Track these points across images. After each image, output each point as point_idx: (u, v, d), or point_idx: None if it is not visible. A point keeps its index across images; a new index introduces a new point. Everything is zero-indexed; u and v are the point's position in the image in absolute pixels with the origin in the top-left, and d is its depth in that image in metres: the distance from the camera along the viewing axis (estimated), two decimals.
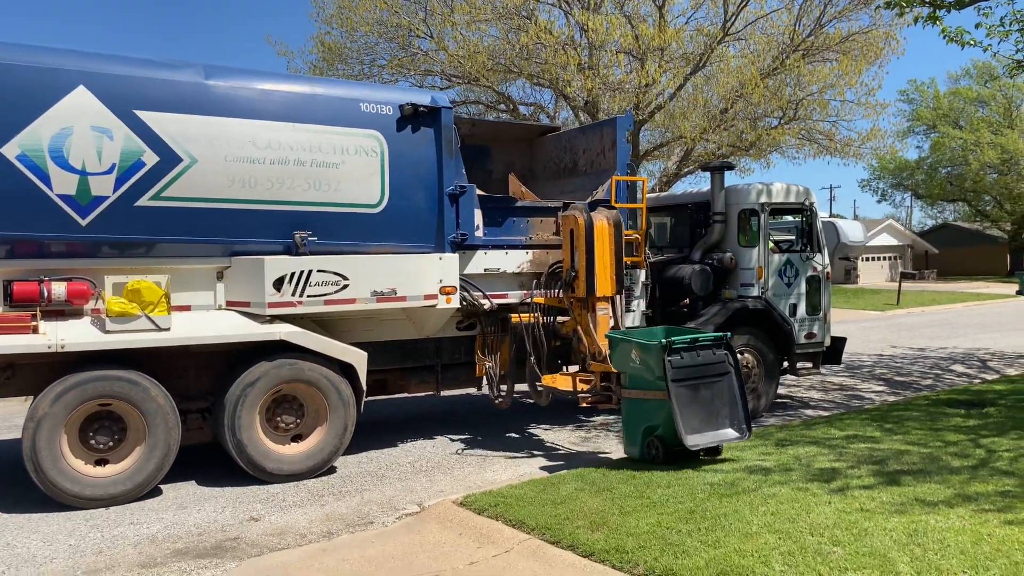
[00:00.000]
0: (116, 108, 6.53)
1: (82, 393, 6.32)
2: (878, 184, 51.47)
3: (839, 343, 10.30)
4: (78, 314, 6.52)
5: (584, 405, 7.86)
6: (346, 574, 5.02)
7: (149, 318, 6.47)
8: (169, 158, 6.67)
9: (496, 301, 8.21)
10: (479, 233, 8.10)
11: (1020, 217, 48.07)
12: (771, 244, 9.84)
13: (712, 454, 7.07)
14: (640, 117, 18.28)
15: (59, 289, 6.33)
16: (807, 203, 9.99)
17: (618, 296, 8.07)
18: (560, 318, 8.43)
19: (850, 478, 6.22)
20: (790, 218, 10.18)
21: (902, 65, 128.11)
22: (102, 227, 6.48)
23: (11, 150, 6.20)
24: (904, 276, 31.19)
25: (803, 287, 9.95)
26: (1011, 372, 12.55)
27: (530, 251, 8.40)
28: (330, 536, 5.75)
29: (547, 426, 9.24)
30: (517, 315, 8.32)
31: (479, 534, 5.55)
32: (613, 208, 8.39)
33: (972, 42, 11.31)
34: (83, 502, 6.36)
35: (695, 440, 6.79)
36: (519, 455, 7.94)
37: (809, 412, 9.76)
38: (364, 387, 7.37)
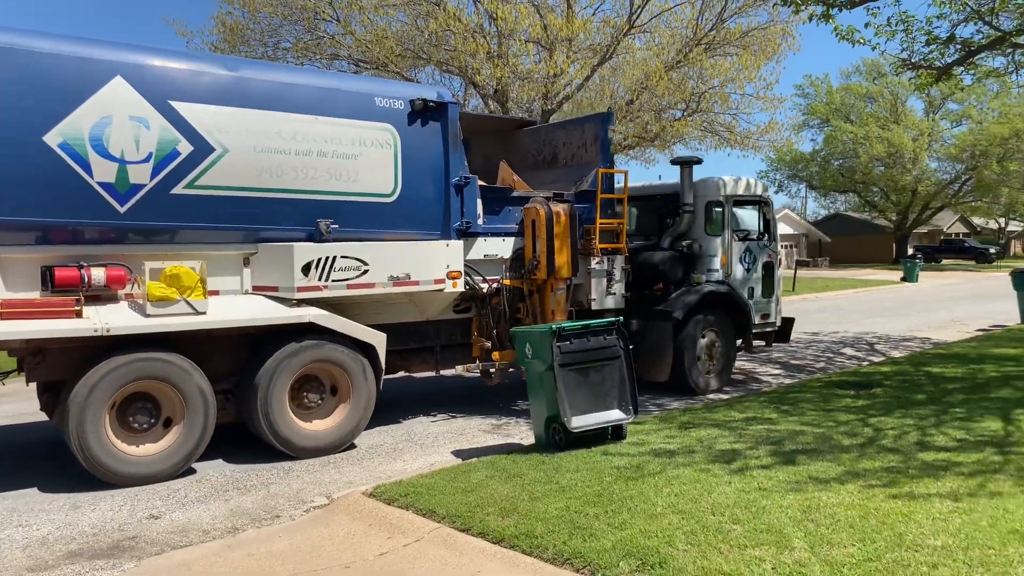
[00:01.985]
0: (152, 98, 6.79)
1: (127, 374, 6.54)
2: (775, 175, 53.40)
3: (788, 323, 11.52)
4: (113, 299, 6.71)
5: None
6: (252, 570, 4.91)
7: (188, 302, 6.72)
8: (202, 148, 6.96)
9: (494, 285, 8.91)
10: (480, 221, 8.72)
11: (904, 208, 50.84)
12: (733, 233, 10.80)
13: (618, 437, 7.24)
14: (549, 107, 18.41)
15: (98, 274, 6.50)
16: (764, 196, 11.08)
17: (573, 279, 9.16)
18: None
19: (749, 459, 6.47)
20: (750, 209, 11.05)
21: (798, 61, 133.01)
22: (139, 214, 6.72)
23: (53, 138, 6.36)
24: (799, 264, 32.57)
25: (759, 273, 11.01)
26: (896, 354, 13.29)
27: (522, 238, 9.09)
28: (235, 532, 5.62)
29: (462, 415, 9.26)
30: (498, 298, 8.98)
31: (389, 524, 5.53)
32: (571, 201, 9.28)
33: (862, 40, 11.86)
34: (125, 480, 6.60)
35: (579, 421, 6.97)
36: (431, 444, 7.94)
37: (711, 395, 10.09)
38: (383, 366, 7.84)
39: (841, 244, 55.20)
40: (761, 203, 11.08)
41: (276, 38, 18.63)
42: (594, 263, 9.64)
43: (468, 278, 8.63)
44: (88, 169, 6.50)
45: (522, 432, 8.20)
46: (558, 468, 6.38)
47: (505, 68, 17.30)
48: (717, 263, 10.59)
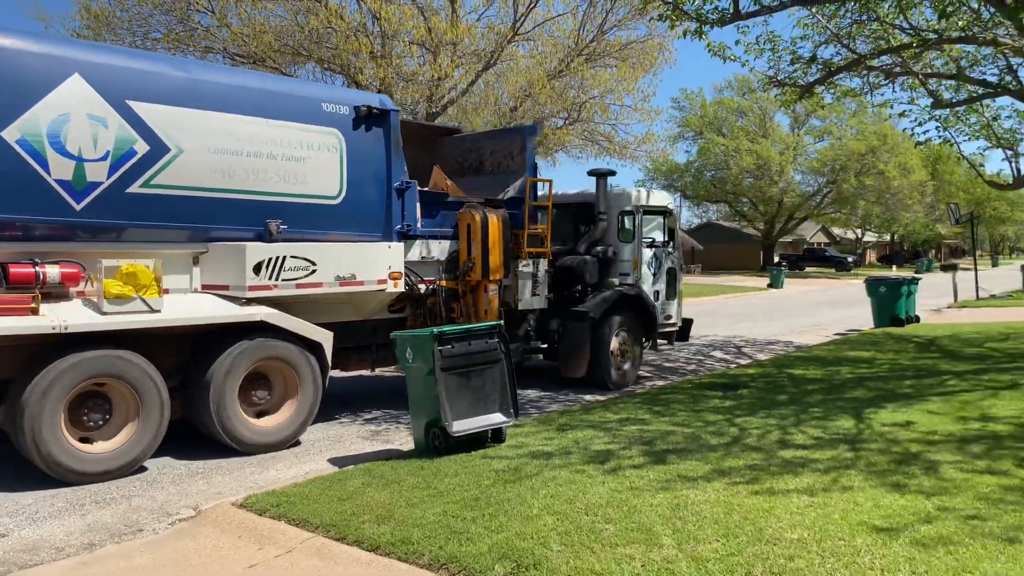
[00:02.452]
0: (111, 98, 6.90)
1: (85, 371, 6.56)
2: (652, 184, 55.24)
3: (687, 324, 12.80)
4: (66, 297, 6.73)
5: None
6: None
7: (144, 300, 6.83)
8: (159, 148, 7.16)
9: (430, 286, 9.42)
10: (419, 225, 9.20)
11: (771, 218, 53.64)
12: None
13: (497, 440, 7.28)
14: (433, 110, 18.37)
15: (53, 272, 6.55)
16: (669, 207, 12.26)
17: (504, 279, 9.96)
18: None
19: (622, 459, 6.64)
20: (657, 219, 12.16)
21: (675, 75, 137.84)
22: (95, 212, 6.83)
23: (11, 134, 6.42)
24: None
25: (664, 277, 12.16)
26: (761, 357, 13.96)
27: (456, 241, 9.69)
28: (92, 548, 5.30)
29: (344, 420, 9.08)
30: (434, 298, 9.49)
31: (260, 536, 5.35)
32: (503, 207, 10.05)
33: (732, 57, 12.43)
34: (82, 478, 6.59)
35: (460, 426, 6.98)
36: (307, 452, 7.75)
37: (587, 397, 10.30)
38: (329, 364, 8.07)
39: (713, 252, 57.65)
40: (666, 213, 12.26)
41: (146, 27, 17.78)
42: (522, 266, 10.30)
43: (408, 279, 9.03)
44: (45, 166, 6.57)
45: (402, 437, 8.12)
46: (437, 473, 6.35)
47: (389, 69, 17.14)
48: (629, 268, 11.64)
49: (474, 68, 18.50)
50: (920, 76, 12.90)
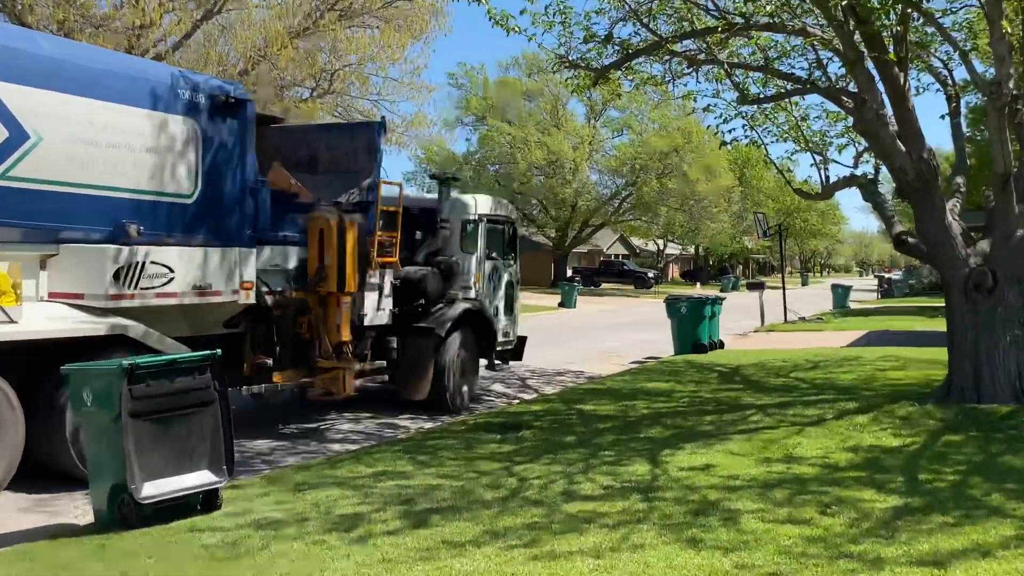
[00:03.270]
0: None
1: None
2: (424, 178, 55.91)
3: (522, 342, 14.37)
4: None
5: (312, 399, 10.99)
6: None
7: (3, 309, 7.17)
8: (17, 135, 7.63)
9: (276, 297, 10.07)
10: (269, 229, 9.88)
11: (564, 223, 55.92)
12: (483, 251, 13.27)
13: (210, 506, 6.93)
14: None
15: None
16: (512, 217, 13.92)
17: (359, 293, 10.88)
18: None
19: (375, 523, 6.56)
20: (499, 229, 13.72)
21: (453, 46, 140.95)
22: None
23: None
24: None
25: (503, 291, 13.71)
26: (548, 390, 14.45)
27: (303, 248, 10.41)
28: None
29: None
30: (280, 311, 10.19)
31: None
32: (357, 211, 10.87)
33: (517, 29, 12.69)
34: None
35: (154, 488, 6.54)
36: None
37: (335, 446, 10.13)
38: None
39: None
40: (509, 223, 13.98)
41: None
42: (370, 277, 11.09)
43: (258, 289, 9.64)
44: None
45: (80, 508, 7.51)
46: (125, 554, 5.94)
47: (71, 9, 15.99)
48: (472, 280, 12.98)
49: (191, 16, 17.69)
50: (726, 66, 13.98)
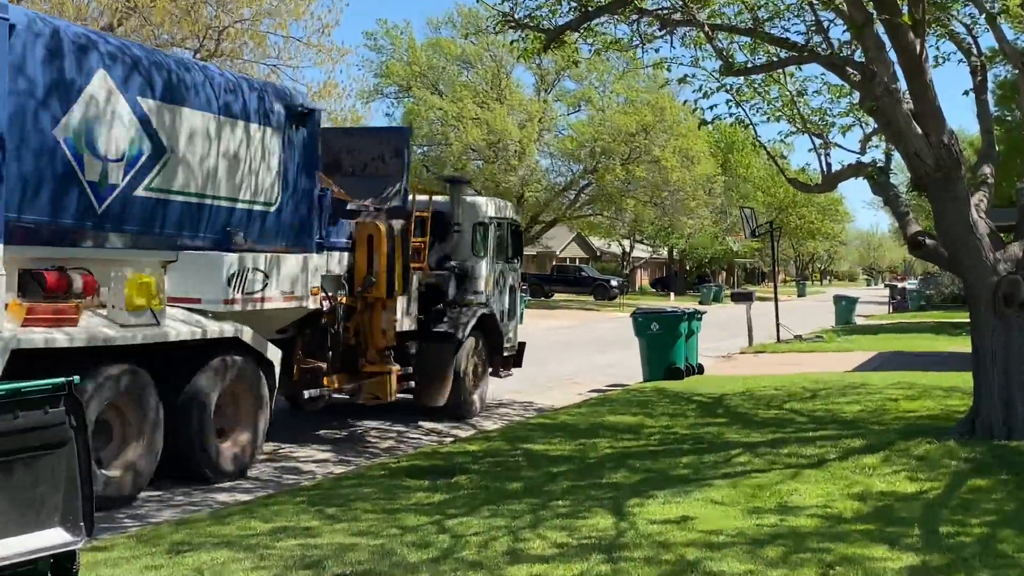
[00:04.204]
0: (126, 94, 9.73)
1: (116, 388, 9.31)
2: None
3: (522, 348, 17.29)
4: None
5: (361, 403, 13.48)
6: None
7: (153, 312, 9.48)
8: (159, 148, 10.07)
9: (331, 303, 12.45)
10: (329, 235, 12.56)
11: None
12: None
13: (63, 574, 6.82)
14: None
15: (78, 280, 9.04)
16: (517, 219, 16.76)
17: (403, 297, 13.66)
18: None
19: None
20: (505, 231, 16.65)
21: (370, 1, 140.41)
22: (111, 216, 9.61)
23: (60, 133, 9.06)
24: None
25: (508, 295, 16.66)
26: (489, 426, 14.49)
27: (350, 253, 13.04)
28: None
29: None
30: (332, 317, 12.54)
31: None
32: (400, 216, 13.52)
33: None
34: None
35: None
36: None
37: (222, 496, 10.05)
38: (277, 384, 11.33)
39: None
40: (514, 225, 16.91)
41: None
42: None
43: (323, 294, 12.21)
44: (81, 166, 9.24)
45: None
46: None
47: None
48: (482, 284, 15.71)
49: None
50: (706, 28, 14.13)
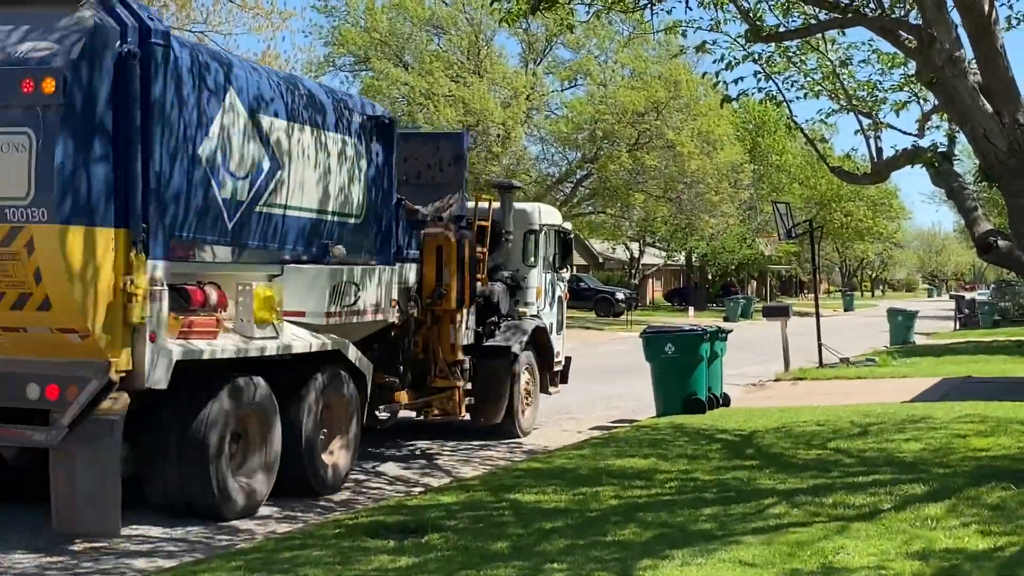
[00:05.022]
0: (250, 112, 11.92)
1: (252, 400, 11.70)
2: None
3: (567, 363, 19.83)
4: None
5: (430, 419, 16.66)
6: None
7: (275, 325, 11.77)
8: (275, 164, 12.23)
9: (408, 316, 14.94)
10: (403, 247, 14.79)
11: None
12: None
13: None
14: None
15: (213, 295, 11.25)
16: (567, 225, 19.48)
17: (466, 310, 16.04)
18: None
19: None
20: (555, 239, 19.32)
21: None
22: (237, 232, 11.74)
23: (203, 152, 11.23)
24: None
25: (556, 306, 19.30)
26: (467, 471, 14.45)
27: (417, 265, 15.26)
28: None
29: None
30: (400, 330, 14.83)
31: None
32: (463, 226, 15.88)
33: None
34: (238, 512, 11.55)
35: None
36: None
37: (138, 563, 9.99)
38: (368, 398, 13.71)
39: None
40: (563, 233, 19.41)
41: None
42: None
43: (399, 307, 14.48)
44: (218, 183, 11.40)
45: None
46: None
47: None
48: (534, 295, 18.11)
49: None
50: None
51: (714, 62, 14.91)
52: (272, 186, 12.19)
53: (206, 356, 11.01)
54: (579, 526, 10.57)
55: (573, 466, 14.14)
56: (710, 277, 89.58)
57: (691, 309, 65.71)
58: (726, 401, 20.24)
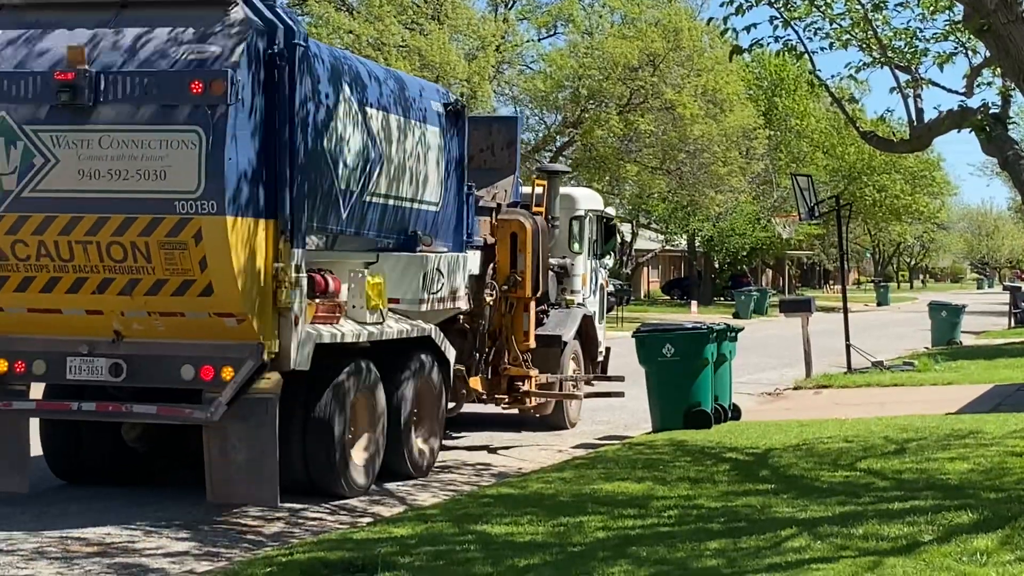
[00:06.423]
0: (360, 105, 14.70)
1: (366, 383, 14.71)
2: None
3: (607, 353, 22.60)
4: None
5: (503, 408, 19.52)
6: None
7: (381, 312, 14.66)
8: (379, 154, 15.12)
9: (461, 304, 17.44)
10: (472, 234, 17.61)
11: None
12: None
13: None
14: None
15: (332, 282, 13.84)
16: (609, 209, 22.20)
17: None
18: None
19: None
20: (598, 225, 22.86)
21: None
22: (347, 221, 14.63)
23: (328, 146, 14.04)
24: None
25: (599, 294, 22.61)
26: (427, 499, 14.47)
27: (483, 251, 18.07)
28: None
29: None
30: (469, 318, 17.89)
31: None
32: (537, 213, 18.98)
33: None
34: (356, 490, 14.57)
35: None
36: None
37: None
38: (452, 384, 16.86)
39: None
40: (606, 218, 22.78)
41: None
42: None
43: (470, 295, 17.31)
44: (336, 174, 14.16)
45: None
46: None
47: None
48: (579, 283, 21.16)
49: None
50: None
51: (721, 5, 14.91)
52: (375, 176, 14.91)
53: (340, 340, 13.75)
54: (559, 563, 10.58)
55: (552, 491, 14.16)
56: (717, 265, 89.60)
57: (694, 303, 65.99)
58: (736, 413, 20.31)
